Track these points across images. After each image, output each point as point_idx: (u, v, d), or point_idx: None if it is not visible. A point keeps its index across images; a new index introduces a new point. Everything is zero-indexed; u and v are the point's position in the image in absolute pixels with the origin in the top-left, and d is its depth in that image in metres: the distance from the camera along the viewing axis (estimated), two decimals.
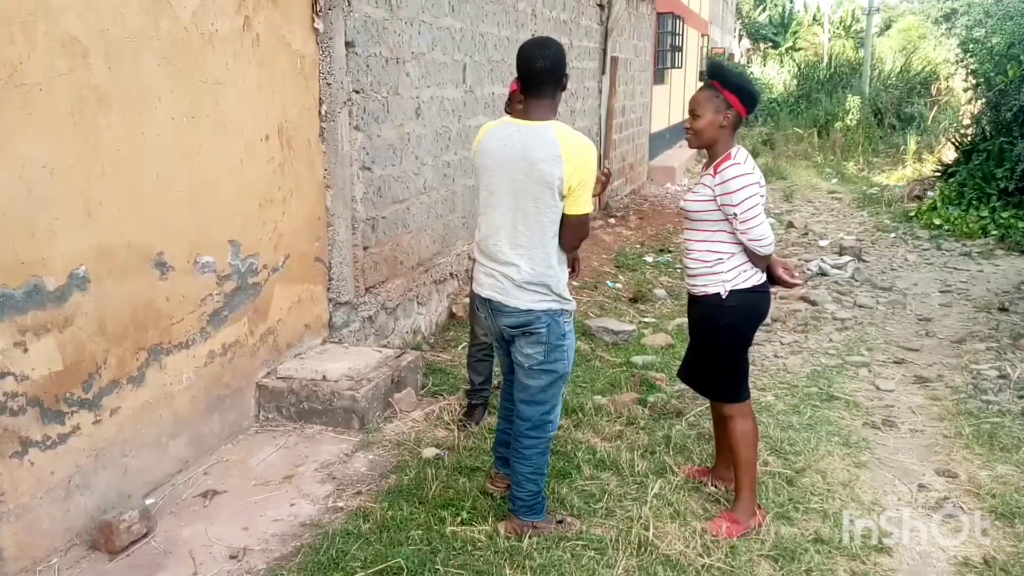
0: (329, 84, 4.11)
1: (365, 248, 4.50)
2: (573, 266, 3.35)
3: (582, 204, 2.77)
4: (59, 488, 2.80)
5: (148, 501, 3.15)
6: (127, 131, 2.99)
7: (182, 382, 3.35)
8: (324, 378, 3.85)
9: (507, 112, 3.65)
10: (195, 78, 3.30)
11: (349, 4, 4.21)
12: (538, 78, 2.77)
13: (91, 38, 2.80)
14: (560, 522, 3.09)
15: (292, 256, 3.98)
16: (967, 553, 3.06)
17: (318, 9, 4.02)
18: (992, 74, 10.35)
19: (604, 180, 3.11)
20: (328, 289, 4.30)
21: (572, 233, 2.82)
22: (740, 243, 2.96)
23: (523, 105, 2.85)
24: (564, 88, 2.85)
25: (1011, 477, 3.63)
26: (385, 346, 4.59)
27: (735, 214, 2.88)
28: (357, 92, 4.32)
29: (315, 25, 4.02)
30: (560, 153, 2.68)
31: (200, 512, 3.14)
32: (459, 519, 3.07)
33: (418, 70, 5.01)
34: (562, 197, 2.73)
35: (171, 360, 3.28)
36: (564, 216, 2.78)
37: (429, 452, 3.61)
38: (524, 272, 2.79)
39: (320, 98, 4.11)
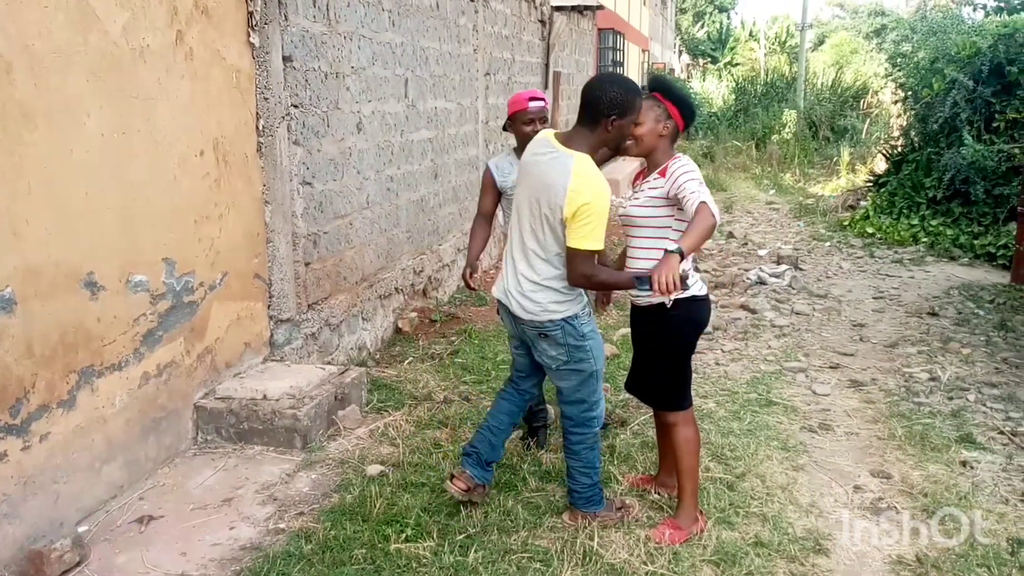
0: (266, 99, 4.07)
1: (307, 264, 4.45)
2: (603, 299, 3.65)
3: (579, 239, 2.79)
4: None
5: (81, 529, 3.05)
6: (54, 148, 2.91)
7: (115, 405, 3.26)
8: (265, 397, 3.79)
9: (504, 130, 3.98)
10: (126, 93, 3.24)
11: (286, 18, 4.18)
12: (584, 105, 2.89)
13: (14, 52, 2.72)
14: (620, 508, 3.25)
15: (230, 273, 3.91)
16: (901, 552, 3.15)
17: (254, 23, 3.98)
18: (919, 87, 10.74)
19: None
20: (269, 306, 4.23)
21: (569, 265, 2.86)
22: None
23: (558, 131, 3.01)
24: (609, 130, 2.86)
25: (942, 476, 3.76)
26: (329, 363, 4.54)
27: (689, 189, 2.87)
28: (296, 107, 4.29)
29: (251, 39, 3.98)
30: (568, 185, 2.77)
31: (136, 538, 3.05)
32: (404, 536, 3.05)
33: (359, 84, 4.99)
34: (563, 225, 2.82)
35: (103, 383, 3.18)
36: (566, 247, 2.84)
37: (373, 469, 3.57)
38: (526, 284, 2.94)
39: (257, 113, 4.06)
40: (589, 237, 2.79)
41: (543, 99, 3.78)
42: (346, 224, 4.90)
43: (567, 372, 3.02)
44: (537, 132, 3.37)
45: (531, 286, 2.94)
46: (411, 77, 5.80)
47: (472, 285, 3.92)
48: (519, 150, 3.71)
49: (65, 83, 2.94)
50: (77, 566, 2.83)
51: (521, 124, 3.74)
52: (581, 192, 2.76)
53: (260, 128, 4.07)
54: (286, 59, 4.20)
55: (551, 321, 2.94)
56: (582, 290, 3.01)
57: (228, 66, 3.85)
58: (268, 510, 3.27)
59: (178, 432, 3.68)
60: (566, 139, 2.90)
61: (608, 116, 2.84)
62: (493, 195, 3.91)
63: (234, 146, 3.91)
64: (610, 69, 15.65)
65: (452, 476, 3.23)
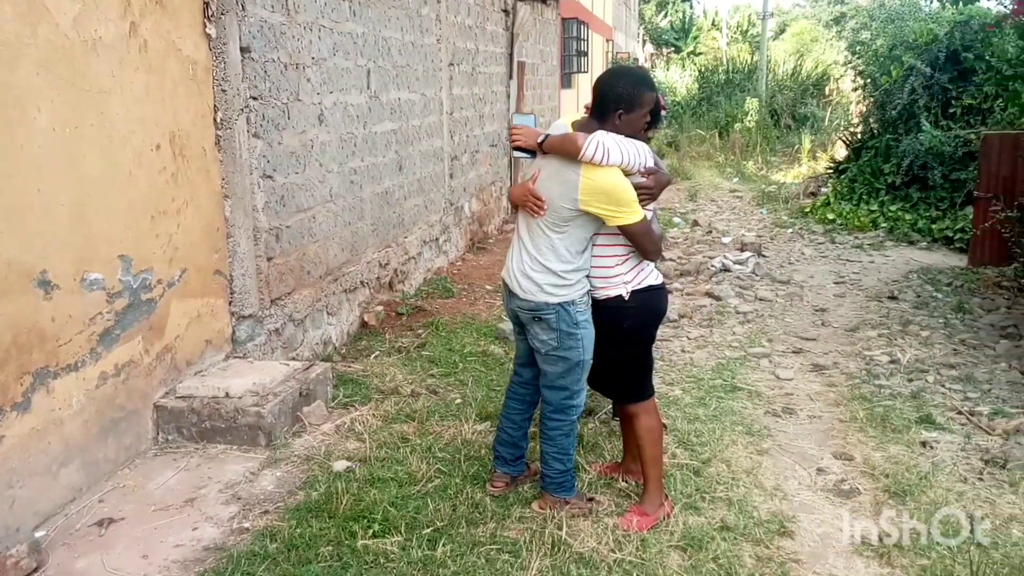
0: (224, 91, 4.00)
1: (269, 259, 4.38)
2: None
3: (622, 216, 2.88)
4: None
5: (38, 534, 2.97)
6: (4, 143, 2.82)
7: (72, 406, 3.18)
8: (227, 395, 3.73)
9: None
10: (78, 87, 3.15)
11: (243, 8, 4.10)
12: (594, 98, 3.00)
13: None
14: (591, 499, 3.29)
15: (189, 269, 3.84)
16: (864, 532, 3.20)
17: (210, 14, 3.90)
18: (877, 74, 10.90)
19: (650, 184, 3.04)
20: (230, 302, 4.17)
21: (636, 243, 2.98)
22: None
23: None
24: (617, 123, 2.94)
25: (902, 457, 3.83)
26: (294, 359, 4.49)
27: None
28: (255, 99, 4.21)
29: (207, 30, 3.90)
30: (580, 182, 2.87)
31: (96, 542, 2.99)
32: (371, 532, 3.03)
33: (320, 76, 4.92)
34: (578, 212, 2.89)
35: (59, 384, 3.11)
36: (622, 230, 2.95)
37: (340, 465, 3.54)
38: (529, 264, 3.00)
39: (215, 105, 3.98)
40: (629, 212, 2.87)
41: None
42: (309, 218, 4.83)
43: (555, 358, 3.05)
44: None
45: (533, 266, 3.00)
46: (373, 68, 5.74)
47: None
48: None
49: (14, 76, 2.85)
50: (35, 572, 2.76)
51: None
52: (595, 184, 2.85)
53: (218, 121, 3.99)
54: (244, 50, 4.12)
55: (547, 304, 2.98)
56: (584, 278, 3.03)
57: (184, 58, 3.77)
58: (232, 509, 3.22)
59: (138, 432, 3.61)
60: (579, 128, 2.98)
61: (615, 110, 2.93)
62: None
63: (191, 139, 3.83)
64: (574, 59, 15.63)
65: (489, 480, 3.40)
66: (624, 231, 2.93)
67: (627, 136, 2.95)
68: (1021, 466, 3.76)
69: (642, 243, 2.96)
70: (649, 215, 3.01)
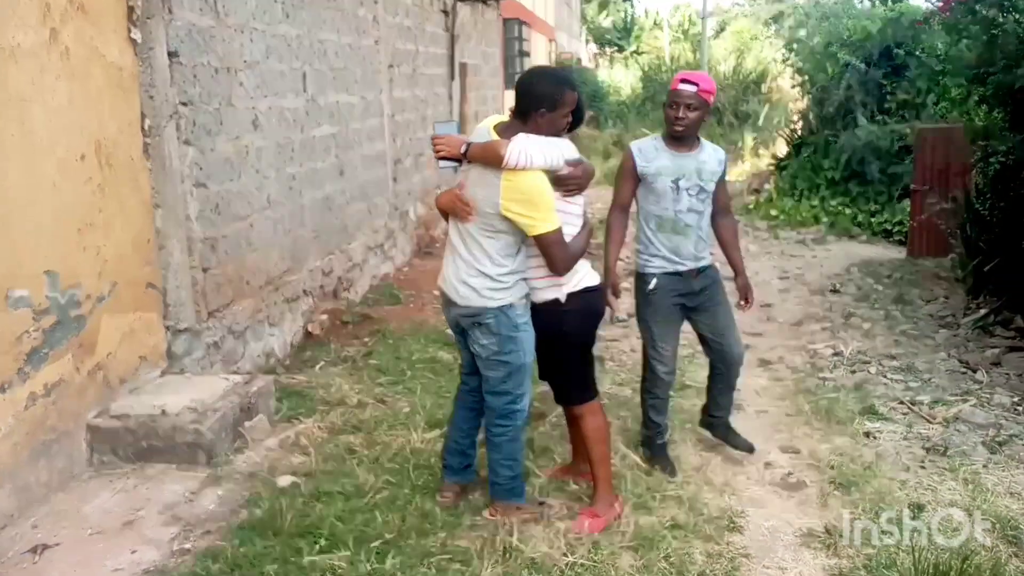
0: (152, 97, 3.86)
1: (205, 269, 4.25)
2: (745, 296, 3.69)
3: (536, 225, 2.83)
4: None
5: None
6: None
7: (0, 429, 3.04)
8: (164, 412, 3.60)
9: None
10: None
11: (170, 12, 3.97)
12: (516, 98, 2.96)
13: None
14: (542, 503, 3.27)
15: (120, 283, 3.70)
16: (811, 524, 3.24)
17: (135, 18, 3.77)
18: (814, 72, 11.15)
19: (577, 174, 3.00)
20: (165, 316, 4.02)
21: (546, 253, 2.90)
22: None
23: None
24: (539, 123, 2.90)
25: (847, 448, 3.89)
26: (234, 372, 4.36)
27: None
28: (185, 104, 4.09)
29: (132, 35, 3.77)
30: (501, 183, 2.81)
31: (29, 569, 2.85)
32: (317, 548, 2.94)
33: (253, 80, 4.80)
34: (501, 217, 2.85)
35: None
36: (536, 241, 2.89)
37: (284, 481, 3.44)
38: (464, 270, 2.97)
39: (143, 112, 3.85)
40: (543, 220, 2.82)
41: (697, 84, 3.42)
42: (246, 226, 4.71)
43: (496, 362, 3.02)
44: (680, 118, 3.39)
45: (469, 271, 2.96)
46: (309, 71, 5.63)
47: (616, 308, 3.77)
48: (666, 135, 3.55)
49: None
50: None
51: (666, 106, 3.52)
52: (514, 186, 2.81)
53: (146, 128, 3.86)
54: (172, 55, 3.99)
55: (486, 308, 2.95)
56: (521, 281, 2.99)
57: (108, 64, 3.63)
58: (172, 531, 3.11)
59: (71, 454, 3.46)
60: (502, 131, 2.93)
61: (537, 109, 2.90)
62: (632, 183, 3.58)
63: (119, 148, 3.69)
64: (516, 60, 15.65)
65: (439, 491, 3.34)
66: (538, 241, 2.87)
67: (549, 135, 2.93)
68: (961, 452, 3.85)
69: (553, 254, 2.88)
70: (579, 209, 3.02)
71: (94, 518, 3.19)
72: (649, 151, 3.56)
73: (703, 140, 3.62)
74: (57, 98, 3.34)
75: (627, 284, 4.05)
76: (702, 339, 3.76)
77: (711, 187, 3.56)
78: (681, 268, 3.56)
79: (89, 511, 3.24)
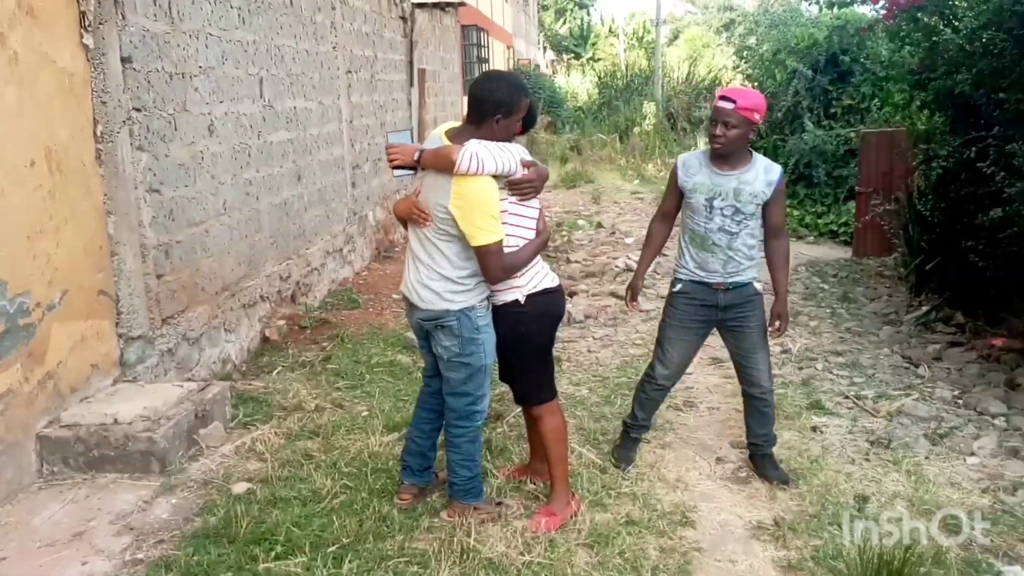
0: (105, 103, 3.82)
1: (159, 276, 4.21)
2: (775, 320, 3.59)
3: (477, 236, 2.85)
4: None
5: None
6: None
7: None
8: (116, 421, 3.55)
9: None
10: None
11: (123, 18, 3.94)
12: (470, 103, 2.99)
13: None
14: (499, 503, 3.31)
15: (71, 291, 3.65)
16: (760, 517, 3.33)
17: (87, 24, 3.73)
18: (763, 78, 11.39)
19: (531, 176, 3.02)
20: (117, 324, 3.97)
21: (482, 267, 2.92)
22: None
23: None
24: (495, 128, 2.93)
25: (794, 442, 4.01)
26: (189, 379, 4.32)
27: None
28: (138, 110, 4.05)
29: (84, 41, 3.73)
30: (451, 188, 2.84)
31: None
32: (273, 554, 2.94)
33: (208, 85, 4.77)
34: (454, 221, 2.87)
35: None
36: (476, 252, 2.89)
37: (239, 488, 3.42)
38: (425, 273, 3.00)
39: (95, 118, 3.81)
40: (487, 231, 2.84)
41: (735, 100, 3.32)
42: (202, 232, 4.67)
43: (457, 364, 3.05)
44: (718, 135, 3.33)
45: (430, 275, 2.99)
46: (266, 76, 5.61)
47: (633, 307, 3.93)
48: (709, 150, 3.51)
49: None
50: None
51: (710, 121, 3.49)
52: (463, 191, 2.84)
53: (98, 134, 3.82)
54: (125, 60, 3.95)
55: (448, 311, 2.98)
56: (482, 283, 3.01)
57: (59, 70, 3.59)
58: (124, 541, 3.07)
59: (20, 465, 3.41)
60: (454, 137, 2.95)
61: (493, 115, 2.93)
62: (676, 194, 3.58)
63: (69, 154, 3.65)
64: (475, 66, 15.71)
65: (397, 493, 3.35)
66: (477, 252, 2.88)
67: (503, 140, 2.97)
68: (904, 445, 3.99)
69: (487, 264, 2.89)
70: (535, 213, 3.07)
71: (43, 530, 3.15)
72: (692, 165, 3.51)
73: (757, 157, 3.48)
74: (5, 104, 3.29)
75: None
76: (733, 362, 3.73)
77: (750, 209, 3.41)
78: (708, 280, 3.53)
79: (38, 523, 3.20)
